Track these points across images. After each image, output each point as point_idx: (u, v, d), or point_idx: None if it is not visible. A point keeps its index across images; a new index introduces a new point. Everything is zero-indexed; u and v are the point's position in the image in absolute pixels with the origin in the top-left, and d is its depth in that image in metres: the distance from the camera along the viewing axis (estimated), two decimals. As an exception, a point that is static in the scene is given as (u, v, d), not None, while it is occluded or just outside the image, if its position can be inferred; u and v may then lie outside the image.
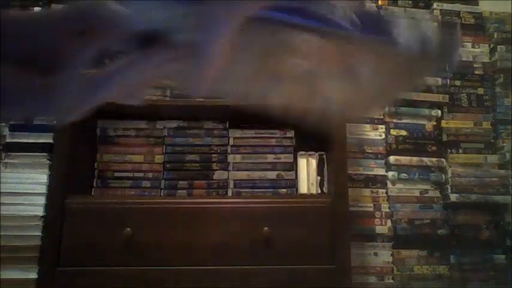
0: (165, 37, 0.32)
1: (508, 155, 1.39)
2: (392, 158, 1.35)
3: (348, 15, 0.31)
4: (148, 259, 1.06)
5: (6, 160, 1.16)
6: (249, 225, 1.08)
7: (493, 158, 1.40)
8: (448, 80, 1.43)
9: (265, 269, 1.06)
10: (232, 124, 1.28)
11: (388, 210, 1.32)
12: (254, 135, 1.27)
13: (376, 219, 1.30)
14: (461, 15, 1.51)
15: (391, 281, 1.27)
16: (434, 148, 1.39)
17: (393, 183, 1.34)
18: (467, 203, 1.35)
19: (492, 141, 1.42)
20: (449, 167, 1.37)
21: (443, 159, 1.38)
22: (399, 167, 1.35)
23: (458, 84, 1.45)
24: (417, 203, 1.34)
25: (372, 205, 1.32)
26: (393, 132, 1.38)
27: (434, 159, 1.37)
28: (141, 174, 1.23)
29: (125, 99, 0.40)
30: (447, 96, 1.43)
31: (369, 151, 1.36)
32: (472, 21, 1.51)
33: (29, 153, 1.17)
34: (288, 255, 1.07)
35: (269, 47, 0.35)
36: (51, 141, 1.17)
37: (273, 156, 1.26)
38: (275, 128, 1.28)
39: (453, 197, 1.34)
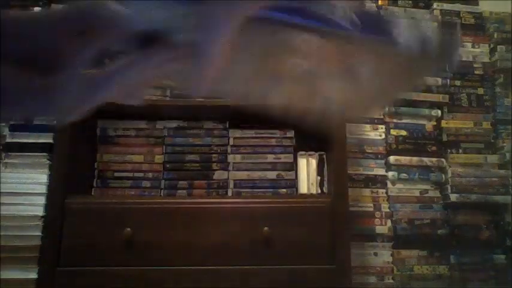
0: (165, 37, 0.32)
1: (508, 155, 1.39)
2: (392, 158, 1.35)
3: (347, 15, 0.31)
4: (148, 259, 1.06)
5: (6, 160, 1.16)
6: (249, 225, 1.08)
7: (493, 158, 1.40)
8: (448, 80, 1.43)
9: (265, 269, 1.06)
10: (232, 124, 1.28)
11: (388, 210, 1.32)
12: (254, 135, 1.27)
13: (376, 219, 1.30)
14: (461, 15, 1.51)
15: (391, 281, 1.27)
16: (434, 148, 1.39)
17: (393, 183, 1.34)
18: (467, 203, 1.35)
19: (492, 141, 1.42)
20: (449, 167, 1.37)
21: (443, 159, 1.38)
22: (399, 167, 1.35)
23: (458, 84, 1.45)
24: (417, 203, 1.34)
25: (372, 205, 1.32)
26: (393, 132, 1.38)
27: (434, 159, 1.37)
28: (141, 174, 1.23)
29: (125, 99, 0.40)
30: (447, 96, 1.43)
31: (369, 151, 1.36)
32: (472, 21, 1.51)
33: (29, 153, 1.17)
34: (288, 255, 1.07)
35: (269, 47, 0.35)
36: (51, 141, 1.17)
37: (273, 156, 1.26)
38: (275, 128, 1.28)
39: (453, 197, 1.34)
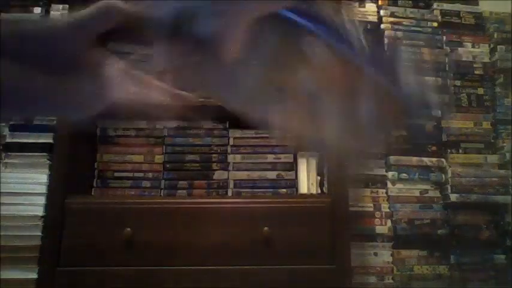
0: (182, 28, 0.31)
1: (508, 155, 1.39)
2: (392, 158, 1.35)
3: (359, 37, 0.30)
4: (148, 259, 1.06)
5: (6, 160, 1.16)
6: (249, 225, 1.08)
7: (493, 158, 1.40)
8: (448, 80, 1.43)
9: (265, 269, 1.06)
10: (232, 124, 1.28)
11: (388, 210, 1.32)
12: (254, 135, 1.27)
13: (376, 219, 1.30)
14: (461, 15, 1.51)
15: (391, 281, 1.27)
16: (434, 148, 1.39)
17: (393, 183, 1.34)
18: (467, 203, 1.34)
19: (492, 141, 1.42)
20: (449, 167, 1.37)
21: (443, 159, 1.38)
22: (399, 167, 1.35)
23: (458, 84, 1.45)
24: (417, 203, 1.34)
25: (371, 205, 1.32)
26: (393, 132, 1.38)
27: (434, 159, 1.37)
28: (141, 174, 1.23)
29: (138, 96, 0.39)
30: (447, 96, 1.43)
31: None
32: (472, 21, 1.51)
33: (29, 153, 1.17)
34: (288, 255, 1.07)
35: (281, 53, 0.32)
36: (51, 141, 1.17)
37: (273, 156, 1.26)
38: (275, 128, 1.27)
39: (453, 197, 1.33)
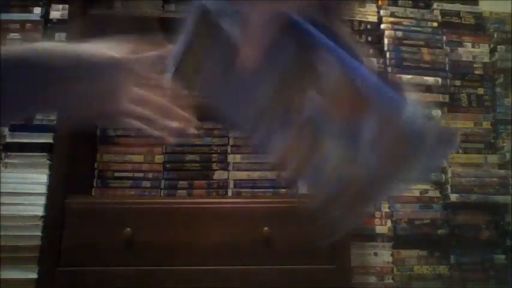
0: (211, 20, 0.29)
1: (508, 155, 1.39)
2: (392, 158, 1.35)
3: (367, 60, 0.27)
4: (148, 259, 1.06)
5: (6, 160, 1.16)
6: (249, 225, 1.08)
7: (493, 158, 1.40)
8: (448, 80, 1.43)
9: (265, 269, 1.06)
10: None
11: (388, 210, 1.32)
12: (254, 135, 1.27)
13: (376, 219, 1.30)
14: (461, 15, 1.51)
15: (391, 281, 1.27)
16: (434, 148, 1.39)
17: (393, 183, 1.34)
18: (467, 203, 1.34)
19: (492, 141, 1.42)
20: (449, 167, 1.37)
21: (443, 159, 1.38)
22: (399, 167, 1.35)
23: (458, 84, 1.45)
24: (417, 203, 1.34)
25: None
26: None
27: (434, 159, 1.37)
28: (141, 174, 1.23)
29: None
30: (447, 96, 1.43)
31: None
32: (472, 21, 1.51)
33: (29, 153, 1.17)
34: (288, 255, 1.07)
35: (295, 68, 0.29)
36: (51, 141, 1.17)
37: (273, 156, 1.26)
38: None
39: (453, 197, 1.33)
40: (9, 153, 1.17)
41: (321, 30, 0.28)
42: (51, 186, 1.12)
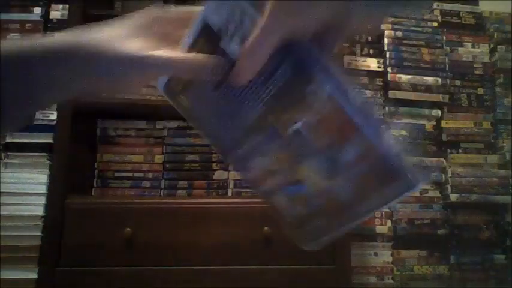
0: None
1: (508, 155, 1.39)
2: (392, 158, 1.35)
3: (357, 93, 0.28)
4: (149, 259, 1.06)
5: (6, 160, 1.16)
6: (249, 225, 1.08)
7: (493, 158, 1.41)
8: (448, 80, 1.43)
9: (265, 269, 1.06)
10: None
11: (388, 210, 1.32)
12: (254, 135, 1.27)
13: (376, 219, 1.30)
14: (461, 15, 1.51)
15: (391, 281, 1.27)
16: (434, 148, 1.39)
17: (393, 183, 1.34)
18: (467, 203, 1.35)
19: (492, 141, 1.43)
20: (449, 167, 1.37)
21: (443, 159, 1.38)
22: (399, 167, 1.35)
23: (458, 84, 1.45)
24: (417, 203, 1.34)
25: (372, 205, 1.32)
26: (393, 132, 1.38)
27: (434, 159, 1.37)
28: (141, 174, 1.23)
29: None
30: (447, 96, 1.43)
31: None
32: (472, 21, 1.51)
33: (29, 153, 1.16)
34: (288, 255, 1.07)
35: (286, 92, 0.29)
36: (51, 141, 1.17)
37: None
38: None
39: (453, 197, 1.34)
40: (9, 153, 1.17)
41: (321, 66, 0.28)
42: (51, 186, 1.12)
